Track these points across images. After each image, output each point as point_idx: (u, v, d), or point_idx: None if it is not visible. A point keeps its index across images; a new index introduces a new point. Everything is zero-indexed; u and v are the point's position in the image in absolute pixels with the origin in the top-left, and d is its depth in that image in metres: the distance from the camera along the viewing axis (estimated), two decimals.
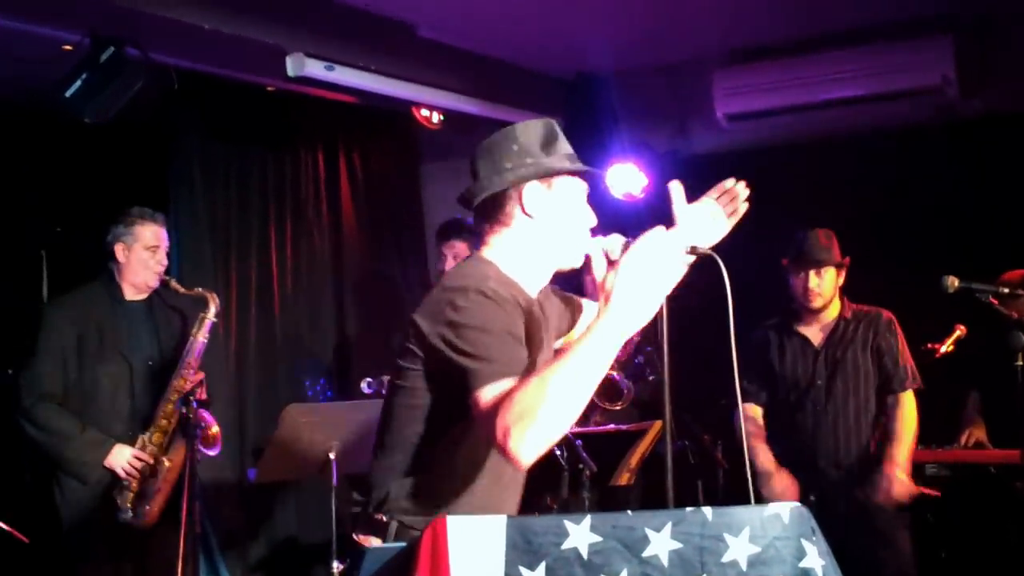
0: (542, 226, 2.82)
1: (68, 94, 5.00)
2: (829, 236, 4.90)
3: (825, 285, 4.83)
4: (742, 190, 3.04)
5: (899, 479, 4.80)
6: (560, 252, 2.85)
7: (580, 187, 2.88)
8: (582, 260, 2.82)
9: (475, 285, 2.67)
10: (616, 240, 2.94)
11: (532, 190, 2.81)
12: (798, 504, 2.19)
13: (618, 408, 5.60)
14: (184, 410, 4.79)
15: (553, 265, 2.88)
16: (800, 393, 4.92)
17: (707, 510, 2.13)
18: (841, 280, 4.90)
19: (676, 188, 3.05)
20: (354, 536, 2.88)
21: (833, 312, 4.94)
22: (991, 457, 5.33)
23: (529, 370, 2.56)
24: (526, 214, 2.81)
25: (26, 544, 5.59)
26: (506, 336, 2.59)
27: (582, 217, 2.86)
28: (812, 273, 4.81)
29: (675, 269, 2.56)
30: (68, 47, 5.08)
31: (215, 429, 5.02)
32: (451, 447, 2.74)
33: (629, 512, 2.10)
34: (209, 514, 5.27)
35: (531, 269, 2.86)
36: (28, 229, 7.15)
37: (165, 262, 5.05)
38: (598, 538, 2.08)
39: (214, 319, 5.09)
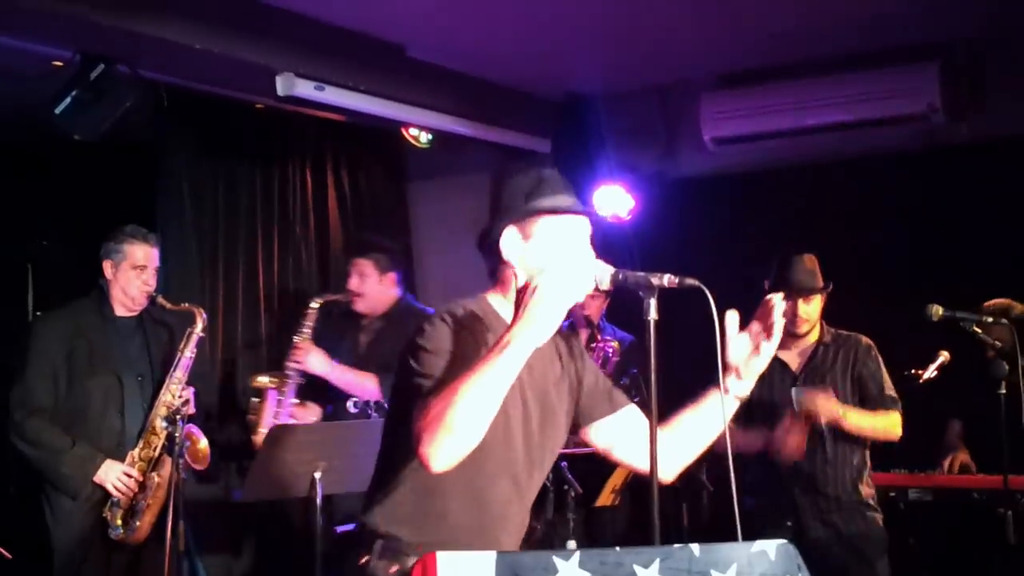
0: (523, 270, 2.86)
1: (58, 111, 5.02)
2: (813, 262, 4.84)
3: (812, 311, 4.81)
4: (779, 303, 3.00)
5: (830, 401, 4.69)
6: None
7: (562, 227, 2.90)
8: (581, 295, 2.80)
9: (443, 311, 2.81)
10: (605, 269, 2.96)
11: (508, 237, 2.89)
12: (784, 541, 2.21)
13: None
14: (170, 428, 4.78)
15: None
16: (778, 419, 4.87)
17: (695, 547, 2.15)
18: (823, 301, 4.89)
19: (732, 319, 2.99)
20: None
21: (813, 336, 4.89)
22: (974, 483, 5.34)
23: None
24: (505, 260, 2.89)
25: (9, 560, 5.61)
26: (451, 356, 2.71)
27: (566, 256, 2.86)
28: (800, 301, 4.78)
29: (579, 292, 2.71)
30: (58, 63, 5.09)
31: (203, 444, 5.02)
32: (417, 470, 2.76)
33: (617, 548, 2.11)
34: (194, 532, 5.26)
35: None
36: (14, 242, 7.16)
37: (152, 283, 5.04)
38: (586, 574, 2.10)
39: (201, 334, 5.10)
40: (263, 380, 5.50)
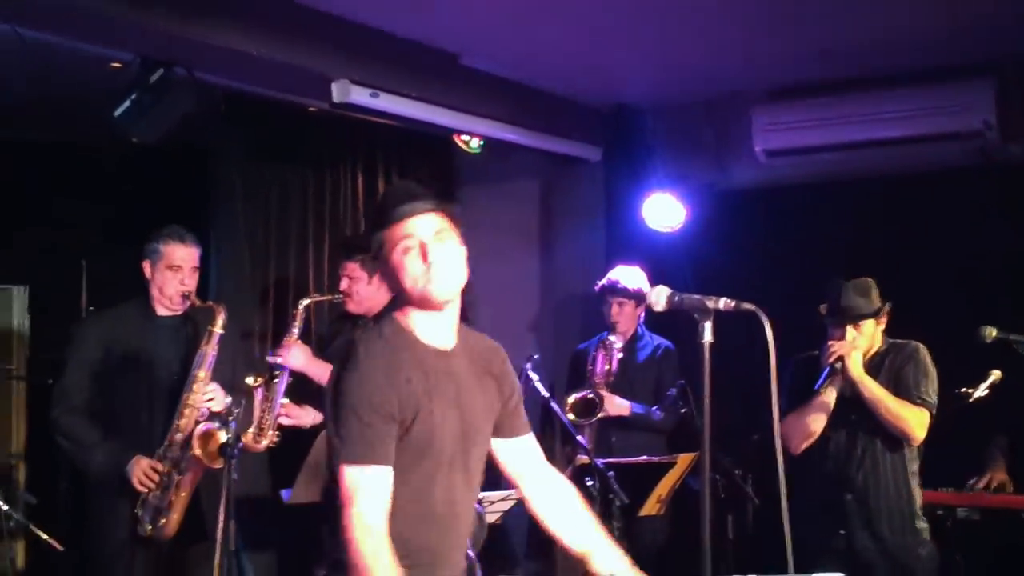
0: (397, 288, 3.05)
1: (117, 113, 5.07)
2: (867, 286, 4.81)
3: (863, 338, 4.81)
4: None
5: (855, 354, 4.75)
6: (420, 298, 3.01)
7: (403, 234, 3.00)
8: (449, 289, 3.01)
9: (357, 352, 2.97)
10: (661, 292, 2.99)
11: (376, 263, 3.08)
12: (841, 575, 2.22)
13: (590, 422, 5.77)
14: (221, 429, 4.82)
15: (429, 305, 3.04)
16: (830, 425, 4.88)
17: None
18: (882, 324, 4.88)
19: None
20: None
21: (873, 349, 4.88)
22: (1022, 503, 5.31)
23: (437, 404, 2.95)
24: (381, 282, 3.01)
25: (60, 552, 5.71)
26: (368, 414, 2.87)
27: (414, 257, 2.99)
28: (850, 327, 4.78)
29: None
30: (117, 64, 5.15)
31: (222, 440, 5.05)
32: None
33: None
34: (243, 532, 5.30)
35: (421, 318, 3.06)
36: (70, 239, 7.27)
37: (189, 283, 5.06)
38: None
39: (221, 331, 5.09)
40: (249, 380, 5.44)
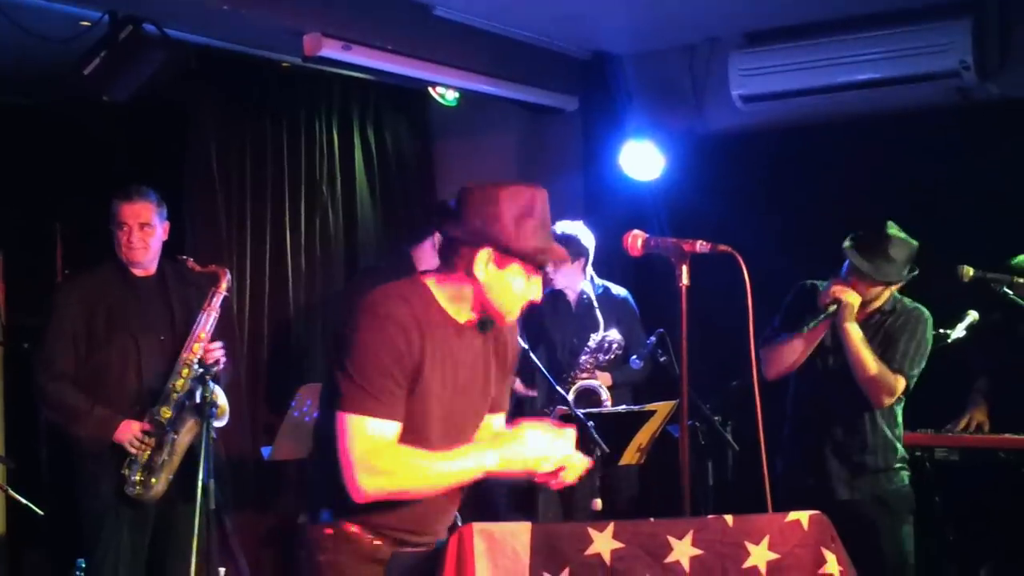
0: (479, 289, 2.96)
1: (87, 72, 5.01)
2: (909, 251, 4.61)
3: (870, 294, 4.64)
4: None
5: (853, 303, 4.60)
6: (485, 313, 3.02)
7: (531, 274, 2.99)
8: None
9: (378, 306, 2.90)
10: (636, 236, 2.99)
11: (483, 257, 2.94)
12: (818, 512, 2.22)
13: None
14: (200, 389, 4.81)
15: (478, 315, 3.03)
16: (815, 371, 4.75)
17: (728, 518, 2.16)
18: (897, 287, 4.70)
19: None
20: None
21: (877, 303, 4.71)
22: (1000, 443, 5.33)
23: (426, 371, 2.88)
24: (471, 273, 2.94)
25: (41, 516, 5.69)
26: (385, 371, 2.82)
27: (517, 298, 3.00)
28: (862, 284, 4.58)
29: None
30: (86, 23, 5.09)
31: (222, 401, 5.04)
32: None
33: (651, 519, 2.13)
34: (222, 491, 5.30)
35: (461, 307, 3.01)
36: (43, 201, 7.20)
37: (137, 241, 5.00)
38: (620, 544, 2.11)
39: (225, 293, 5.11)
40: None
